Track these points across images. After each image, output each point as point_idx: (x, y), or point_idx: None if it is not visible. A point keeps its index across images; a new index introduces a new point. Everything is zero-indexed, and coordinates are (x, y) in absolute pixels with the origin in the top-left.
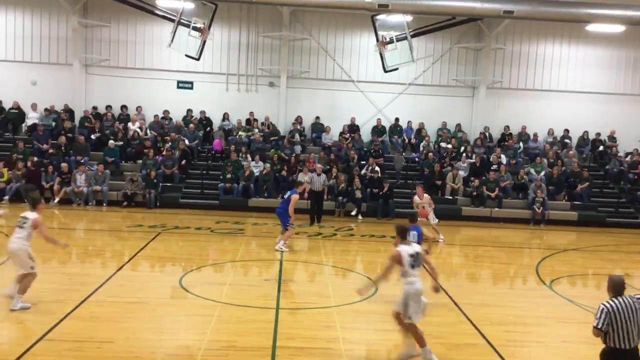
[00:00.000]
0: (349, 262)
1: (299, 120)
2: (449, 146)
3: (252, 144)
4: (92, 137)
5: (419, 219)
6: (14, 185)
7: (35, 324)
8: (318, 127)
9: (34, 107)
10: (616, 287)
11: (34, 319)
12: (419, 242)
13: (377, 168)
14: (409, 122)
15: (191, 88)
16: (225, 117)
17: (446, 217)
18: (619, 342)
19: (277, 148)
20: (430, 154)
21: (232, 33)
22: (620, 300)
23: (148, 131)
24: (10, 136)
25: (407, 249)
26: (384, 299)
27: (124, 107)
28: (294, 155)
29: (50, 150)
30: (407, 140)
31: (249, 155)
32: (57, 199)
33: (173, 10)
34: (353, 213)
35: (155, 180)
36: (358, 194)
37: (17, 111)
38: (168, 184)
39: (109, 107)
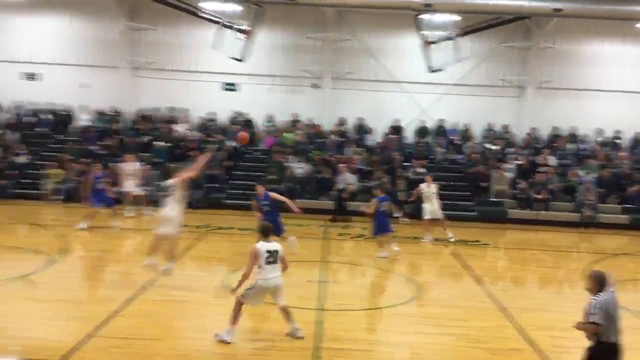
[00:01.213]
0: (391, 264)
1: (342, 121)
2: (495, 147)
3: (295, 145)
4: (140, 138)
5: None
6: (68, 185)
7: (84, 320)
8: (361, 128)
9: (84, 109)
10: (600, 282)
11: (83, 315)
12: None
13: (421, 170)
14: (454, 123)
15: (236, 89)
16: (269, 118)
17: (491, 219)
18: (612, 336)
19: (321, 149)
20: (476, 155)
21: (276, 34)
22: (606, 294)
23: (194, 132)
24: (62, 137)
25: (266, 246)
26: (427, 302)
27: (170, 108)
28: (335, 156)
29: (100, 151)
30: (451, 141)
31: (291, 156)
32: None
33: (218, 12)
34: (395, 215)
35: (200, 181)
36: (401, 196)
37: (68, 113)
38: (213, 185)
39: (156, 108)
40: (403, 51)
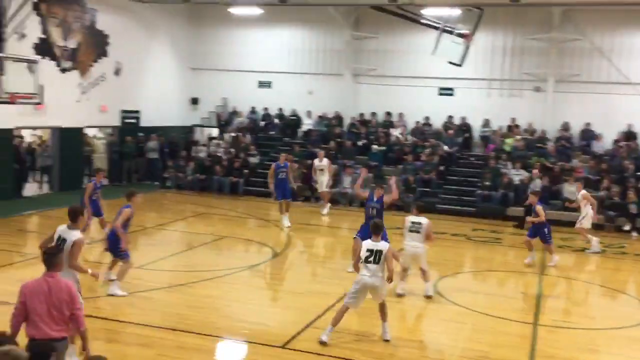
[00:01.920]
0: (620, 282)
1: (565, 126)
2: None
3: (513, 150)
4: (358, 142)
5: None
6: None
7: (303, 311)
8: (588, 134)
9: (308, 114)
10: None
11: (303, 307)
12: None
13: None
14: None
15: (452, 94)
16: (486, 123)
17: None
18: None
19: (541, 155)
20: None
21: (496, 37)
22: None
23: (409, 137)
24: (289, 140)
25: (369, 244)
26: None
27: (387, 113)
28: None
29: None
30: None
31: (509, 163)
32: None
33: (438, 18)
34: (626, 228)
35: (413, 185)
36: (632, 209)
37: (295, 118)
38: (426, 189)
39: (374, 113)
40: (639, 50)
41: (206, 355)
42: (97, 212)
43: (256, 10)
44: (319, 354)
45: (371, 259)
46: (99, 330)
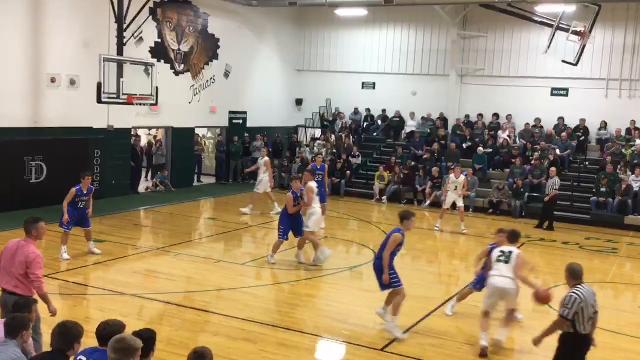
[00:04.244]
0: None
1: None
2: None
3: (634, 155)
4: (464, 145)
5: None
6: (392, 187)
7: (403, 315)
8: None
9: (412, 115)
10: (577, 275)
11: (404, 310)
12: None
13: None
14: None
15: (566, 95)
16: (602, 125)
17: None
18: (583, 328)
19: None
20: None
21: (616, 35)
22: (583, 287)
23: (517, 139)
24: (392, 142)
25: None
26: None
27: (495, 115)
28: None
29: (425, 156)
30: None
31: (628, 169)
32: (428, 202)
33: (552, 15)
34: None
35: (521, 190)
36: None
37: (398, 119)
38: (535, 194)
39: (480, 115)
40: None
41: (305, 353)
42: (81, 222)
43: (361, 12)
44: (417, 359)
45: (502, 258)
46: (204, 323)
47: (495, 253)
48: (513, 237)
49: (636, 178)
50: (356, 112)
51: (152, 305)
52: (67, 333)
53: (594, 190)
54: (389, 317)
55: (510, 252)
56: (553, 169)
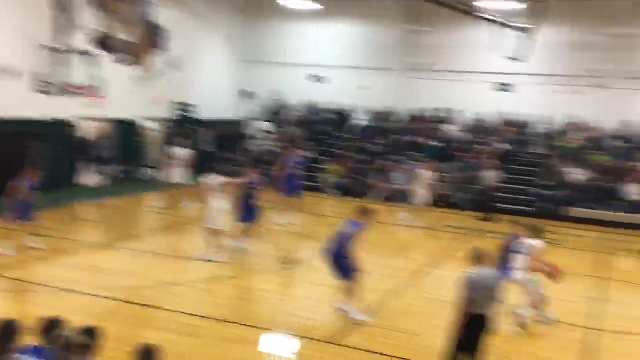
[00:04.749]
0: None
1: (627, 124)
2: None
3: (573, 149)
4: (412, 138)
5: None
6: (342, 181)
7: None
8: None
9: (359, 109)
10: (476, 258)
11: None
12: None
13: None
14: None
15: (511, 90)
16: (546, 120)
17: None
18: (479, 309)
19: (602, 154)
20: None
21: (560, 32)
22: (479, 269)
23: (463, 133)
24: (342, 135)
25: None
26: None
27: (441, 109)
28: None
29: (375, 149)
30: None
31: (571, 162)
32: (381, 195)
33: (497, 11)
34: None
35: (467, 183)
36: None
37: (347, 113)
38: (480, 187)
39: (427, 109)
40: None
41: (252, 347)
42: (24, 216)
43: (310, 5)
44: (370, 351)
45: (521, 250)
46: (149, 319)
47: (515, 246)
48: (534, 232)
49: (579, 171)
50: (305, 104)
51: (96, 302)
52: (7, 330)
53: (538, 183)
54: (346, 304)
55: (528, 245)
56: (496, 161)
